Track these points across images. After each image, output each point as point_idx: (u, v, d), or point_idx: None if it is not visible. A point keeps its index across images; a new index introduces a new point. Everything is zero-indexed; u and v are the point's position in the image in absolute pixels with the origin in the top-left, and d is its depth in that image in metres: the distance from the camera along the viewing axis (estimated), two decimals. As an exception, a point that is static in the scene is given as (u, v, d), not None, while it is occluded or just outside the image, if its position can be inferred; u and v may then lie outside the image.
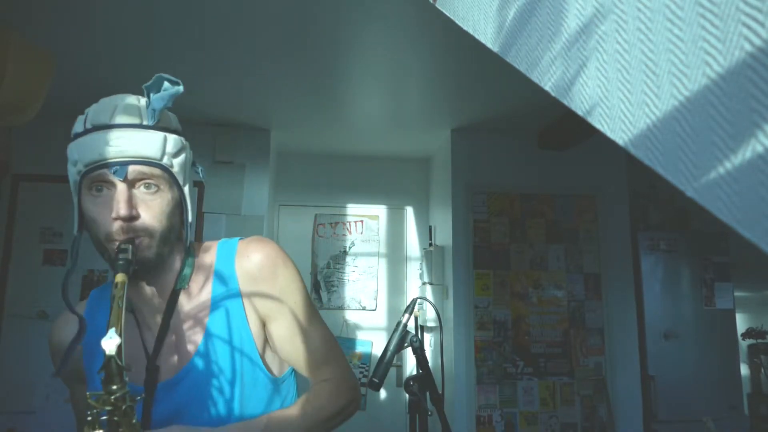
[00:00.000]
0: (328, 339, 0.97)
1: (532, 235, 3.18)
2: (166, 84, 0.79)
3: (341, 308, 3.68)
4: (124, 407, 0.68)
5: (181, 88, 0.81)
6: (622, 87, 0.37)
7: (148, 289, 0.87)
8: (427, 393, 1.35)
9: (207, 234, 3.10)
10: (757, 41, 0.27)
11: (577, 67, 0.43)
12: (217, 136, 3.18)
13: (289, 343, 0.92)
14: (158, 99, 0.79)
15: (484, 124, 3.14)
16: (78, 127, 0.82)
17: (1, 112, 1.80)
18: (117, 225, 0.78)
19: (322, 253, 3.73)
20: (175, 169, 0.83)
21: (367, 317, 3.69)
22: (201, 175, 0.92)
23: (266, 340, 0.93)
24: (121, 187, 0.78)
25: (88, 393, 0.69)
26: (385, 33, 2.12)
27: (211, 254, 0.94)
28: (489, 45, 0.58)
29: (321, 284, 3.70)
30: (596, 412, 3.05)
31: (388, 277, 3.77)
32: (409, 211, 3.85)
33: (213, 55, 2.31)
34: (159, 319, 0.88)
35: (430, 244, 3.49)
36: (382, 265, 3.78)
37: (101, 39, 2.17)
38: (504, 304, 3.10)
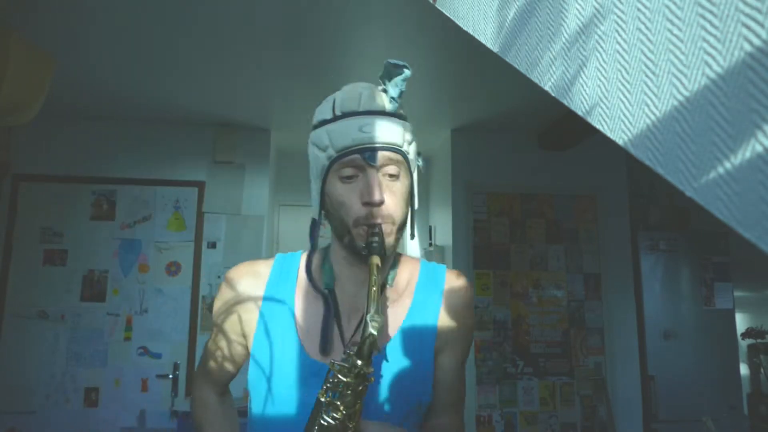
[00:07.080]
0: (462, 390, 0.96)
1: (532, 235, 3.18)
2: (395, 69, 0.82)
3: (341, 308, 3.68)
4: (360, 387, 0.71)
5: (409, 72, 0.84)
6: (622, 87, 0.37)
7: (362, 274, 0.85)
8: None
9: (207, 233, 3.10)
10: (757, 41, 0.27)
11: (577, 67, 0.43)
12: (217, 136, 3.18)
13: (441, 379, 0.91)
14: (394, 87, 0.83)
15: (484, 124, 3.14)
16: (326, 113, 0.84)
17: (1, 112, 1.80)
18: (366, 210, 0.79)
19: (322, 253, 3.73)
20: (411, 157, 0.84)
21: (367, 317, 3.69)
22: (421, 165, 0.91)
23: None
24: (372, 173, 0.79)
25: (332, 361, 0.71)
26: (385, 33, 2.12)
27: (413, 266, 0.93)
28: (489, 45, 0.58)
29: (321, 284, 3.70)
30: (596, 412, 3.05)
31: (388, 277, 3.77)
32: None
33: (213, 55, 2.31)
34: (357, 305, 0.86)
35: (430, 244, 3.49)
36: (382, 265, 3.77)
37: (101, 40, 2.17)
38: (504, 304, 3.10)
